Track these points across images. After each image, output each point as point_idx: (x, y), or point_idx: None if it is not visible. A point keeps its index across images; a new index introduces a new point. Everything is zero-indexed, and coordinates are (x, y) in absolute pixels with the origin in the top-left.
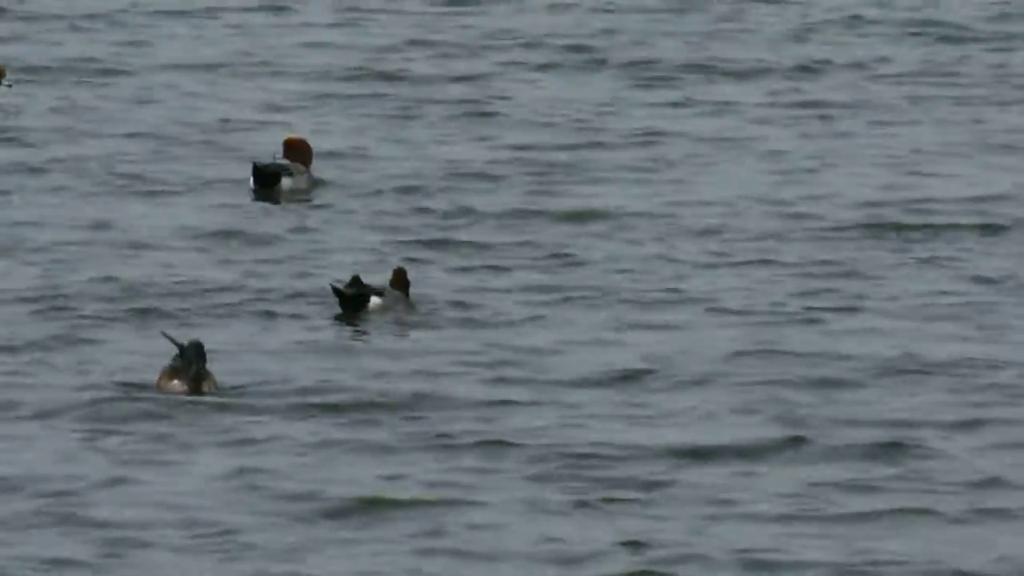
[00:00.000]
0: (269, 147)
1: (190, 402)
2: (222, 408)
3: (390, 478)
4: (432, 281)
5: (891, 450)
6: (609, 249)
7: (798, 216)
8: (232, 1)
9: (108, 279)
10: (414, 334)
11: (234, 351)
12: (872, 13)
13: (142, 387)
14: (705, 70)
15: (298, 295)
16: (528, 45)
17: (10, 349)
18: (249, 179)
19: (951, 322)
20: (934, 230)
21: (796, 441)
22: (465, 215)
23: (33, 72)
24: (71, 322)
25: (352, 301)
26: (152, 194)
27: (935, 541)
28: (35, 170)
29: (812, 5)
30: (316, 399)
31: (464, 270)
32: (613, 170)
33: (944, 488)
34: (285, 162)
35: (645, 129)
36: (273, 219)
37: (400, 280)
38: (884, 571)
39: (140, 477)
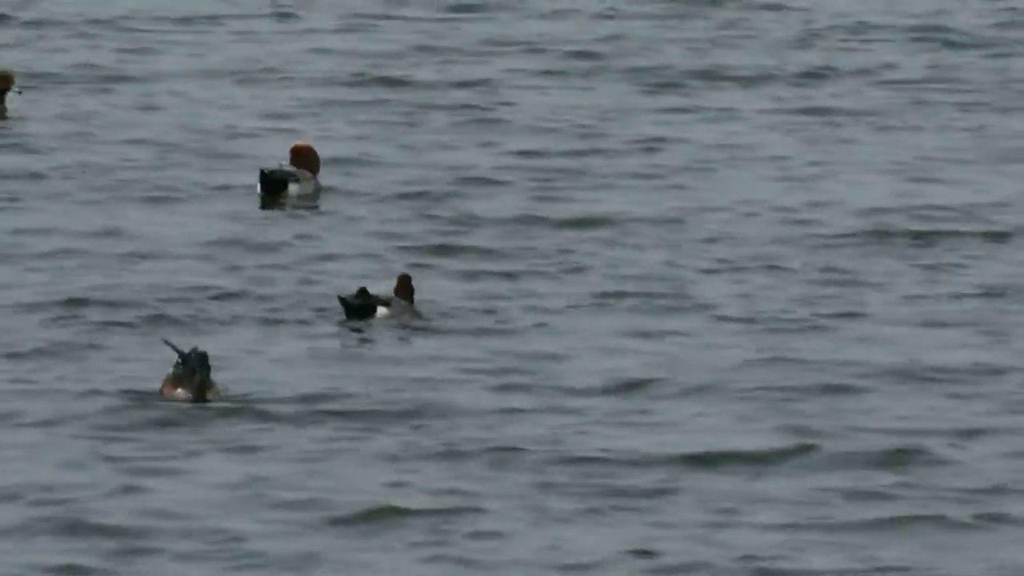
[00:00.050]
0: (275, 154)
1: (196, 410)
2: (228, 416)
3: (396, 486)
4: (437, 288)
5: (897, 458)
6: (613, 256)
7: (803, 223)
8: (237, 8)
9: (114, 286)
10: (419, 342)
11: (240, 358)
12: (876, 19)
13: (148, 395)
14: (709, 76)
15: (304, 302)
16: (532, 51)
17: (16, 356)
18: (256, 185)
19: (956, 329)
20: (939, 237)
21: (802, 449)
22: (470, 221)
23: (39, 79)
24: (77, 329)
25: (358, 312)
26: (158, 201)
27: (941, 549)
28: (41, 177)
29: (816, 11)
30: (322, 407)
31: (469, 277)
32: (617, 176)
33: (950, 496)
34: (292, 169)
35: (649, 135)
36: (279, 226)
37: (405, 287)
38: None
39: (147, 485)
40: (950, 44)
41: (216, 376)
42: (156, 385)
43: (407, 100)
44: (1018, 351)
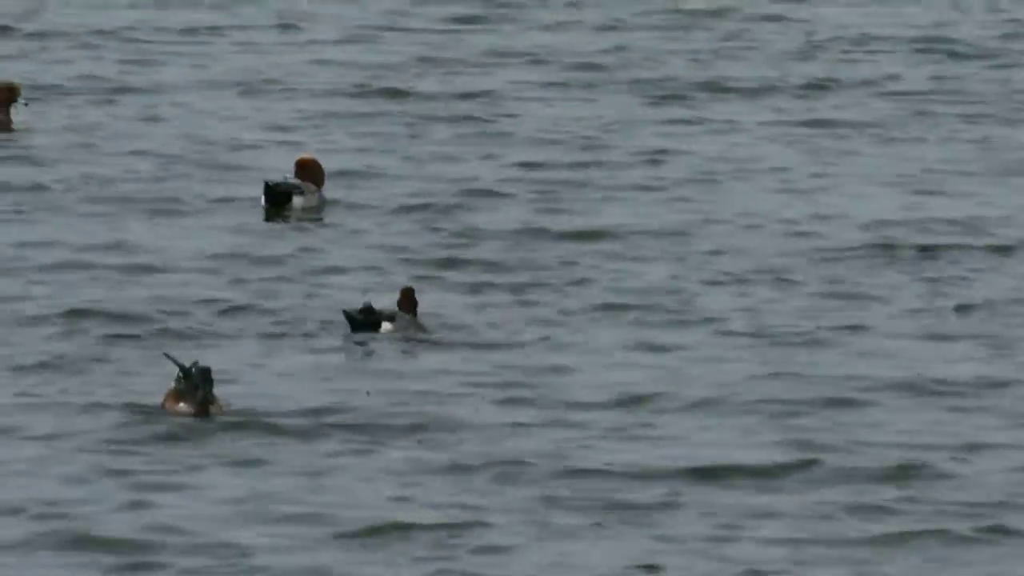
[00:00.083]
0: (278, 166)
1: (200, 424)
2: (232, 430)
3: (401, 500)
4: (440, 301)
5: (901, 472)
6: (617, 268)
7: (806, 235)
8: (240, 19)
9: (117, 299)
10: (423, 355)
11: (244, 372)
12: (879, 31)
13: (152, 409)
14: (712, 88)
15: (308, 315)
16: (535, 63)
17: (19, 369)
18: (260, 198)
19: (960, 343)
20: (943, 250)
21: (806, 463)
22: (473, 234)
23: (42, 91)
24: (80, 342)
25: (363, 327)
26: (162, 213)
27: (944, 563)
28: (45, 188)
29: (818, 23)
30: (326, 420)
31: (472, 289)
32: (621, 189)
33: (953, 510)
34: (296, 181)
35: (653, 147)
36: (283, 239)
37: (408, 300)
38: None
39: (151, 499)
40: (954, 55)
41: (220, 390)
42: (160, 399)
43: (410, 112)
44: (1022, 364)
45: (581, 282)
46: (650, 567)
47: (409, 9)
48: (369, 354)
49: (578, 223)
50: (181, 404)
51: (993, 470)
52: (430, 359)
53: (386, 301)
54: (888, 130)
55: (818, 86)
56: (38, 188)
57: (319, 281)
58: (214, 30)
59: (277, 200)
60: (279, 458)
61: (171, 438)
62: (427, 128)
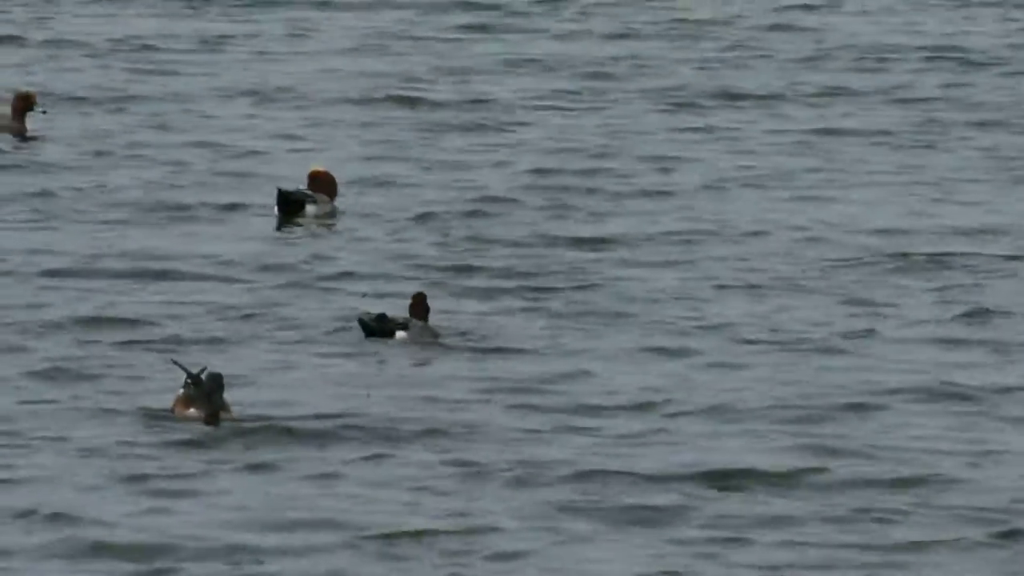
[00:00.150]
0: (290, 173)
1: (213, 430)
2: (246, 436)
3: (414, 506)
4: (452, 308)
5: (915, 478)
6: (628, 275)
7: (816, 243)
8: (251, 28)
9: (130, 306)
10: (435, 362)
11: (257, 378)
12: (889, 40)
13: (165, 415)
14: (722, 96)
15: (320, 322)
16: (545, 71)
17: (32, 375)
18: (273, 205)
19: (972, 349)
20: (954, 257)
21: (820, 469)
22: (484, 241)
23: (54, 99)
24: (93, 349)
25: (377, 335)
26: (174, 221)
27: (958, 569)
28: (57, 196)
29: (828, 31)
30: (339, 426)
31: (483, 296)
32: (631, 196)
33: (967, 516)
34: (309, 192)
35: (662, 155)
36: (295, 246)
37: (420, 305)
38: None
39: (164, 505)
40: (964, 63)
41: (232, 395)
42: (170, 404)
43: (421, 119)
44: None
45: (592, 289)
46: (664, 573)
47: (419, 18)
48: (381, 360)
49: (589, 230)
50: (191, 409)
51: (1007, 476)
52: (442, 365)
53: (398, 308)
54: (898, 138)
55: (828, 94)
56: (50, 195)
57: (331, 288)
58: (225, 39)
59: (290, 208)
60: (293, 464)
61: (184, 444)
62: (438, 136)
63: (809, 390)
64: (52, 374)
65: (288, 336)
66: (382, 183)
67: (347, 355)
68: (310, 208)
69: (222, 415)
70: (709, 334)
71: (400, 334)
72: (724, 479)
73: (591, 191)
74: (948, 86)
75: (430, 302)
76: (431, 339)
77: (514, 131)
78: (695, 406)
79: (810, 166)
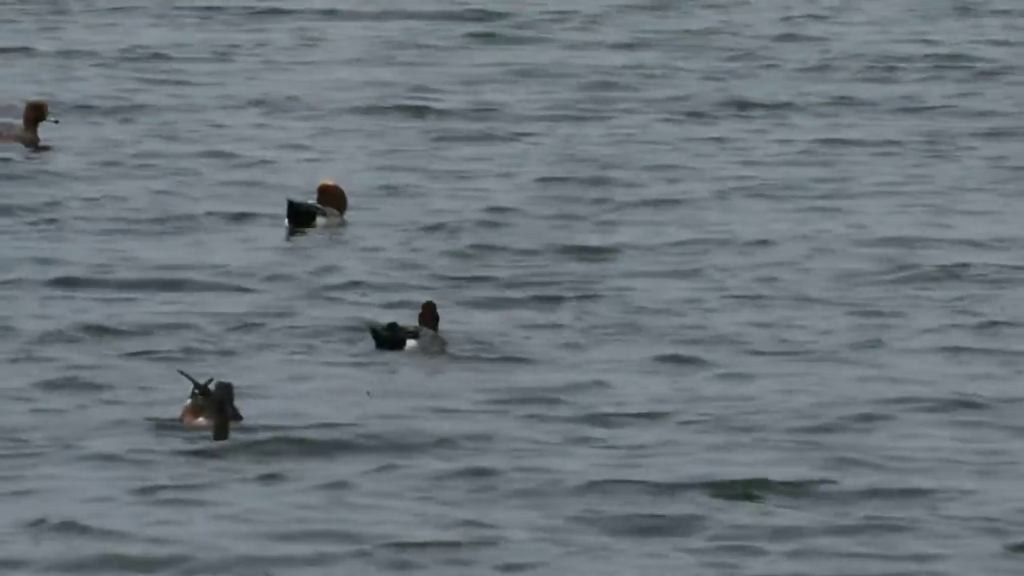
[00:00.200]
0: (299, 183)
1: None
2: (254, 446)
3: (423, 517)
4: (460, 317)
5: (923, 489)
6: (636, 285)
7: (824, 253)
8: (260, 37)
9: (139, 315)
10: (444, 372)
11: (266, 388)
12: (896, 49)
13: (174, 426)
14: (730, 106)
15: (329, 332)
16: (553, 80)
17: (39, 385)
18: (283, 217)
19: (981, 360)
20: (962, 268)
21: (829, 480)
22: (492, 251)
23: (64, 110)
24: (101, 358)
25: (388, 344)
26: (183, 230)
27: None
28: (66, 207)
29: (836, 41)
30: (348, 437)
31: (491, 306)
32: (639, 206)
33: (979, 527)
34: (319, 206)
35: (670, 164)
36: (303, 256)
37: (429, 314)
38: None
39: (172, 515)
40: (972, 73)
41: (242, 405)
42: (179, 414)
43: (429, 129)
44: None
45: (601, 298)
46: None
47: (427, 27)
48: (392, 370)
49: (597, 240)
50: (200, 419)
51: (1018, 487)
52: (452, 375)
53: (407, 317)
54: (906, 148)
55: (836, 104)
56: (60, 205)
57: (341, 297)
58: (234, 48)
59: (300, 220)
60: (303, 474)
61: (193, 454)
62: (446, 145)
63: (819, 401)
64: (61, 384)
65: (298, 346)
66: (391, 193)
67: (357, 365)
68: (320, 220)
69: (233, 424)
70: (718, 344)
71: (411, 343)
72: (734, 490)
73: (599, 201)
74: (956, 96)
75: (439, 312)
76: (441, 348)
77: (522, 141)
78: (705, 417)
79: (818, 176)
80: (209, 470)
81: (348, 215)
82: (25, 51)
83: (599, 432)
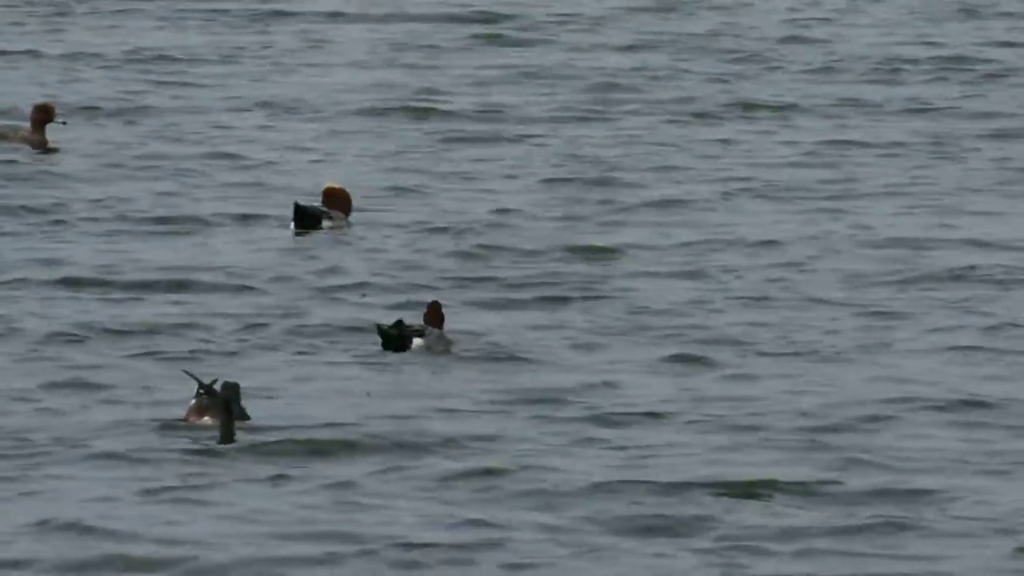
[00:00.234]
0: (305, 185)
1: (225, 442)
2: (260, 447)
3: (429, 517)
4: (465, 318)
5: (929, 490)
6: (642, 286)
7: (830, 254)
8: (265, 39)
9: (145, 316)
10: (450, 373)
11: (272, 389)
12: (903, 51)
13: (180, 426)
14: (735, 107)
15: (336, 333)
16: (558, 82)
17: (45, 386)
18: (290, 219)
19: (988, 361)
20: (970, 269)
21: (836, 481)
22: (497, 252)
23: (70, 112)
24: (108, 360)
25: (395, 342)
26: (189, 232)
27: None
28: (72, 208)
29: (841, 43)
30: (354, 437)
31: (496, 307)
32: (644, 207)
33: (984, 529)
34: (325, 209)
35: (675, 166)
36: (309, 257)
37: (435, 314)
38: None
39: (177, 516)
40: (977, 74)
41: (247, 406)
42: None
43: (435, 130)
44: None
45: (607, 299)
46: None
47: (433, 29)
48: (397, 371)
49: (603, 241)
50: (205, 418)
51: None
52: (457, 376)
53: (412, 318)
54: (912, 149)
55: (841, 106)
56: (66, 206)
57: (346, 298)
58: (240, 50)
59: (306, 222)
60: (308, 474)
61: (199, 455)
62: (452, 147)
63: (825, 401)
64: (66, 384)
65: (304, 346)
66: (396, 194)
67: (363, 366)
68: (326, 223)
69: (240, 424)
70: (724, 345)
71: (417, 341)
72: (741, 490)
73: (604, 202)
74: (961, 97)
75: (444, 312)
76: (447, 347)
77: (528, 142)
78: (711, 417)
79: (823, 177)
80: (215, 470)
81: (353, 216)
82: (30, 53)
83: (605, 432)
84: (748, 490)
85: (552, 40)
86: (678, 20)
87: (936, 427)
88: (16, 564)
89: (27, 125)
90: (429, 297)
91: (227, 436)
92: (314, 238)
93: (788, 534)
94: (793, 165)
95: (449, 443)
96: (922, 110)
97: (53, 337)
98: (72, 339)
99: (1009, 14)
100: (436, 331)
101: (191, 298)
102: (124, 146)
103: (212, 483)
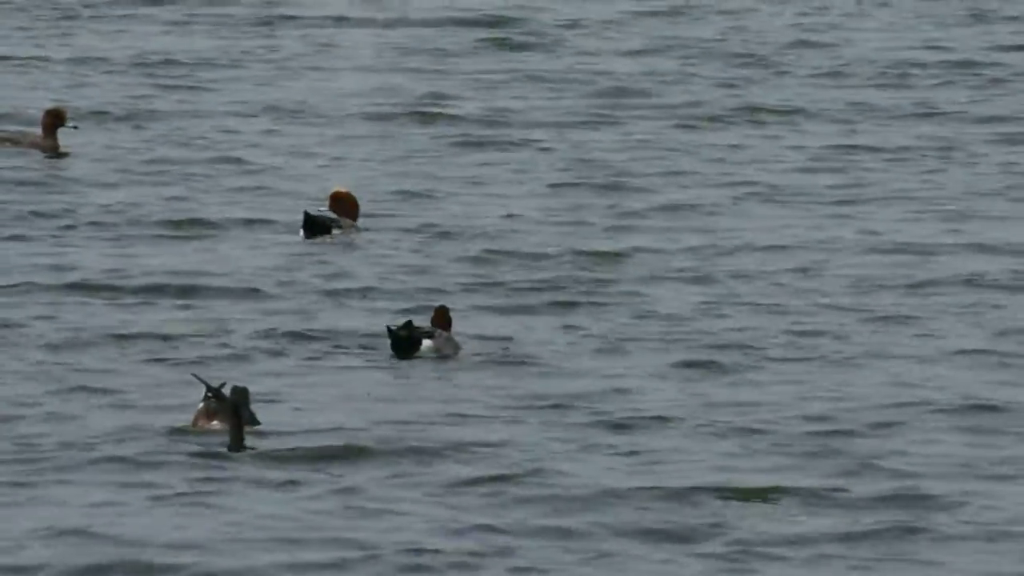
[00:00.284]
0: (312, 189)
1: (235, 447)
2: (268, 452)
3: (436, 522)
4: (473, 323)
5: (939, 496)
6: (649, 291)
7: (838, 259)
8: (272, 43)
9: (153, 322)
10: (457, 378)
11: (280, 394)
12: (911, 55)
13: (188, 431)
14: (743, 112)
15: (343, 338)
16: (566, 86)
17: (56, 392)
18: (299, 226)
19: (996, 366)
20: (976, 273)
21: (843, 487)
22: (505, 256)
23: (78, 116)
24: (116, 365)
25: (404, 343)
26: (197, 237)
27: None
28: (80, 213)
29: (850, 47)
30: (362, 443)
31: (504, 312)
32: (652, 212)
33: (994, 534)
34: (334, 216)
35: (683, 171)
36: (317, 262)
37: (442, 318)
38: None
39: (187, 522)
40: (985, 78)
41: (256, 411)
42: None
43: (442, 135)
44: None
45: (614, 304)
46: None
47: (439, 34)
48: (406, 376)
49: (610, 246)
50: (214, 422)
51: None
52: (464, 381)
53: (420, 322)
54: (920, 154)
55: (849, 110)
56: (75, 211)
57: (354, 303)
58: (248, 54)
59: (316, 231)
60: (316, 480)
61: (207, 460)
62: (459, 151)
63: (834, 407)
64: (75, 389)
65: (312, 351)
66: (403, 199)
67: (371, 371)
68: (336, 232)
69: (249, 429)
70: (732, 350)
71: (427, 342)
72: (749, 496)
73: (612, 207)
74: (969, 102)
75: (452, 316)
76: (456, 349)
77: (535, 147)
78: (719, 422)
79: (832, 182)
80: (224, 475)
81: (361, 221)
82: (37, 59)
83: (614, 438)
84: (757, 495)
85: (559, 44)
86: (686, 25)
87: (945, 432)
88: (25, 570)
89: (37, 130)
90: (437, 302)
91: (237, 441)
92: (322, 243)
93: (797, 540)
94: (801, 170)
95: (457, 448)
96: (930, 114)
97: (62, 342)
98: (80, 344)
99: (1017, 18)
100: (445, 333)
101: (200, 303)
102: (132, 151)
103: (221, 488)
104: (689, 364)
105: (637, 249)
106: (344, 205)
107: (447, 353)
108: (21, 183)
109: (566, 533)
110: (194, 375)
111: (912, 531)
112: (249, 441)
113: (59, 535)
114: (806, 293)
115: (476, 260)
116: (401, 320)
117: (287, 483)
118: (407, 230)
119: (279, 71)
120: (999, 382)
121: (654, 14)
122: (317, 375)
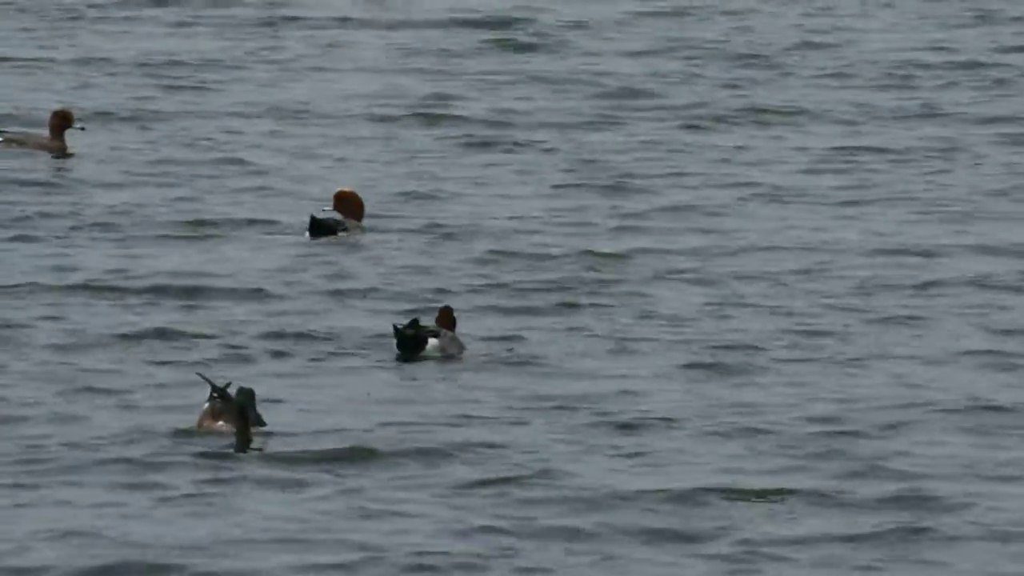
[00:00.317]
0: (316, 190)
1: (241, 448)
2: (273, 453)
3: (442, 524)
4: (478, 324)
5: (944, 497)
6: (653, 292)
7: (843, 260)
8: (276, 44)
9: (158, 322)
10: (462, 379)
11: (285, 395)
12: (915, 56)
13: (193, 433)
14: (747, 113)
15: (348, 339)
16: (570, 87)
17: (62, 392)
18: (304, 229)
19: (1001, 367)
20: (981, 275)
21: (848, 488)
22: (509, 257)
23: (84, 117)
24: (121, 366)
25: (411, 342)
26: (202, 238)
27: None
28: (85, 214)
29: (854, 48)
30: (367, 444)
31: (508, 313)
32: (656, 213)
33: (999, 535)
34: (339, 217)
35: (687, 172)
36: (322, 262)
37: (446, 319)
38: None
39: (192, 524)
40: (989, 79)
41: (261, 412)
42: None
43: (446, 136)
44: None
45: (618, 305)
46: None
47: (444, 35)
48: (410, 377)
49: (614, 247)
50: (219, 422)
51: None
52: (469, 383)
53: (425, 323)
54: (925, 155)
55: (853, 111)
56: (80, 212)
57: (358, 304)
58: (252, 55)
59: (322, 234)
60: (321, 481)
61: (212, 461)
62: (463, 152)
63: (839, 408)
64: (80, 390)
65: (317, 352)
66: (408, 200)
67: (376, 372)
68: (341, 235)
69: (255, 430)
70: (737, 351)
71: (432, 341)
72: (754, 497)
73: (616, 207)
74: (973, 103)
75: (456, 317)
76: (461, 349)
77: (539, 147)
78: (724, 424)
79: (836, 183)
80: (230, 477)
81: (365, 222)
82: (42, 60)
83: (619, 439)
84: (762, 497)
85: (564, 45)
86: (690, 25)
87: (951, 433)
88: (30, 571)
89: (44, 131)
90: (441, 302)
91: (243, 443)
92: (327, 244)
93: (803, 541)
94: (805, 171)
95: (463, 450)
96: (934, 115)
97: (67, 342)
98: (85, 344)
99: (1021, 19)
100: (450, 333)
101: (205, 303)
102: (137, 151)
103: (227, 489)
104: (694, 365)
105: (642, 250)
106: (348, 205)
107: (452, 353)
108: (27, 184)
109: (572, 534)
110: (199, 374)
111: (917, 532)
112: (255, 442)
113: (64, 536)
114: (810, 294)
115: (481, 261)
116: (405, 322)
117: (293, 484)
118: (412, 231)
119: (283, 72)
120: (1004, 383)
121: (658, 15)
122: (322, 376)
